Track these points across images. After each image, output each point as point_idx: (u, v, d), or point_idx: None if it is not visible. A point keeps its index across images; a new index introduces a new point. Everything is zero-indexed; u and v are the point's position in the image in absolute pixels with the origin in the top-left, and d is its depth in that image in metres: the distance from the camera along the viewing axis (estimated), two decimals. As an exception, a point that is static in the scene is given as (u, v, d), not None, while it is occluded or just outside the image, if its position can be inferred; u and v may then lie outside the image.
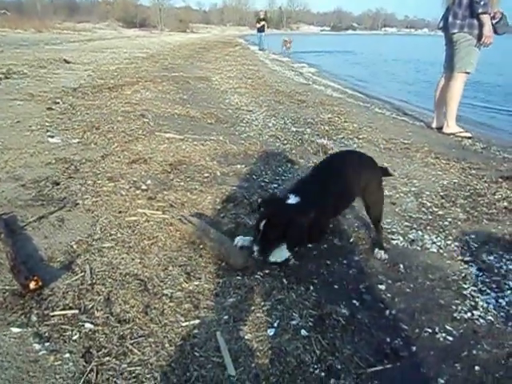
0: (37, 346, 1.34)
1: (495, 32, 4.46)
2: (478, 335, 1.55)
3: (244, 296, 1.64)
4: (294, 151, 3.65)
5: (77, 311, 1.50)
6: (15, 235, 1.96)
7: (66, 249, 1.89)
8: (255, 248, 1.75)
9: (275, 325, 1.49)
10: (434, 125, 5.16)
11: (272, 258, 1.78)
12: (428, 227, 2.38)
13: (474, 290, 1.82)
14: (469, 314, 1.66)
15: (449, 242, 2.22)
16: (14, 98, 5.01)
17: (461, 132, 4.84)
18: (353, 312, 1.60)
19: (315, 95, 7.06)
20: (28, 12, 41.45)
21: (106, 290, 1.62)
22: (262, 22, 21.40)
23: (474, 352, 1.46)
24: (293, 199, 1.81)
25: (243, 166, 3.13)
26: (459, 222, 2.46)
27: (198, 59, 12.48)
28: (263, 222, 1.74)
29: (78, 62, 9.44)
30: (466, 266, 2.01)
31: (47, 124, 3.93)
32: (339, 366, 1.33)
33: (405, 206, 2.66)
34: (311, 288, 1.72)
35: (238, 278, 1.75)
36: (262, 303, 1.60)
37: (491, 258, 2.08)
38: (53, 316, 1.47)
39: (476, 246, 2.19)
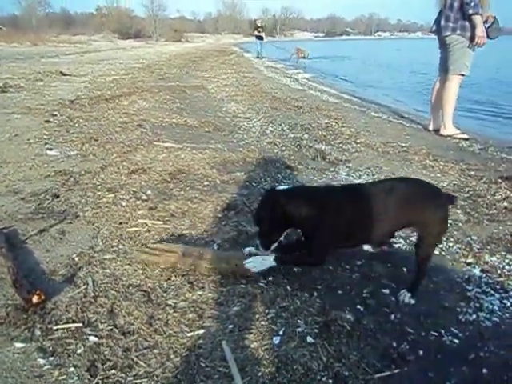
0: (41, 361, 1.33)
1: (487, 36, 4.50)
2: (485, 337, 1.54)
3: (248, 304, 1.63)
4: (292, 157, 3.66)
5: (80, 324, 1.49)
6: (16, 249, 1.96)
7: (68, 261, 1.89)
8: (258, 242, 1.76)
9: (280, 332, 1.48)
10: (430, 127, 5.18)
11: (250, 266, 1.72)
12: (429, 230, 2.37)
13: (478, 292, 1.81)
14: (474, 316, 1.66)
15: (451, 244, 2.22)
16: (11, 111, 5.03)
17: (458, 133, 4.85)
18: (358, 317, 1.59)
19: (311, 101, 7.09)
20: (23, 26, 41.74)
21: (109, 302, 1.61)
22: (261, 30, 21.26)
23: (481, 354, 1.45)
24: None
25: (242, 173, 3.13)
26: (460, 224, 2.46)
27: (194, 68, 12.53)
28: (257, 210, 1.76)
29: (75, 74, 9.48)
30: (468, 267, 2.00)
31: (45, 137, 3.93)
32: (346, 373, 1.32)
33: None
34: (315, 294, 1.71)
35: (242, 286, 1.74)
36: (267, 311, 1.60)
37: (494, 258, 2.08)
38: (56, 330, 1.46)
39: (478, 247, 2.19)
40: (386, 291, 1.79)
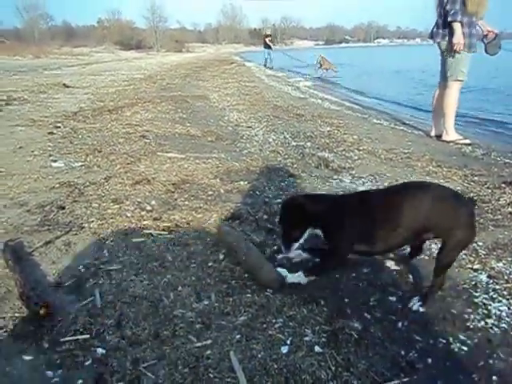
0: (49, 374, 1.33)
1: (485, 51, 4.59)
2: (493, 344, 1.53)
3: (255, 314, 1.62)
4: (295, 165, 3.66)
5: (88, 336, 1.49)
6: (23, 261, 1.96)
7: (74, 273, 1.89)
8: (281, 244, 1.85)
9: (288, 342, 1.48)
10: (432, 133, 5.19)
11: (290, 280, 1.80)
12: (435, 236, 2.36)
13: (486, 298, 1.80)
14: (482, 323, 1.65)
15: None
16: (15, 124, 5.07)
17: (460, 139, 4.87)
18: (365, 326, 1.59)
19: (313, 109, 7.12)
20: (26, 39, 42.23)
21: (116, 314, 1.61)
22: (270, 38, 20.66)
23: (491, 361, 1.45)
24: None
25: (246, 182, 3.14)
26: (465, 230, 2.45)
27: (195, 78, 12.62)
28: (280, 214, 1.86)
29: (78, 86, 9.56)
30: (475, 273, 1.99)
31: (49, 148, 3.96)
32: (355, 382, 1.32)
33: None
34: (322, 303, 1.71)
35: (248, 295, 1.74)
36: (274, 320, 1.59)
37: (500, 264, 2.07)
38: (64, 342, 1.46)
39: (484, 253, 2.18)
40: (393, 299, 1.78)
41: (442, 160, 3.97)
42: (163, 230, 2.32)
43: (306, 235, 1.80)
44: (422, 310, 1.69)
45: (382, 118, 6.77)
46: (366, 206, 1.76)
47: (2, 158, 3.62)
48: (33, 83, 9.71)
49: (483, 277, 1.96)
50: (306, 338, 1.50)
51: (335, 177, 3.40)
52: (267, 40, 20.56)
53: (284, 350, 1.44)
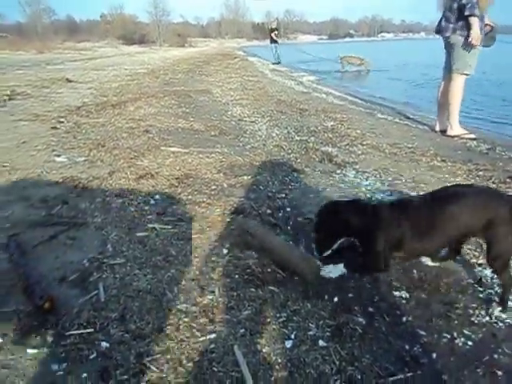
0: (54, 367, 1.34)
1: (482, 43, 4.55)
2: (498, 339, 1.53)
3: (259, 308, 1.62)
4: (299, 160, 3.65)
5: (92, 330, 1.50)
6: (27, 256, 1.97)
7: (78, 267, 1.90)
8: (314, 249, 1.92)
9: (292, 336, 1.48)
10: (437, 128, 5.15)
11: (327, 274, 1.84)
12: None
13: (490, 293, 1.79)
14: (487, 318, 1.64)
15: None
16: (19, 118, 5.08)
17: (465, 134, 4.83)
18: (369, 320, 1.58)
19: (317, 103, 7.09)
20: (29, 34, 42.21)
21: (120, 308, 1.62)
22: (276, 32, 19.81)
23: (495, 356, 1.44)
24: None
25: (249, 176, 3.13)
26: (470, 225, 2.43)
27: (198, 73, 12.58)
28: (317, 221, 1.90)
29: (81, 81, 9.56)
30: (480, 268, 1.98)
31: (53, 143, 3.97)
32: (359, 376, 1.32)
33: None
34: (326, 297, 1.71)
35: (252, 290, 1.73)
36: (278, 315, 1.59)
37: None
38: (68, 336, 1.47)
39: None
40: (397, 293, 1.78)
41: (446, 155, 3.94)
42: (167, 224, 2.32)
43: (338, 243, 1.86)
44: (504, 316, 1.65)
45: (386, 112, 6.73)
46: (405, 215, 1.76)
47: (6, 153, 3.62)
48: (36, 78, 9.71)
49: (488, 272, 1.95)
50: (310, 333, 1.50)
51: (339, 171, 3.38)
52: (273, 35, 19.78)
53: (288, 344, 1.44)
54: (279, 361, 1.37)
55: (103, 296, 1.69)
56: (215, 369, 1.33)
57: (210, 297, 1.69)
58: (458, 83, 4.71)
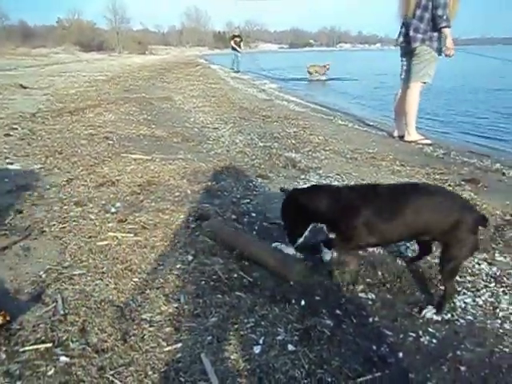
0: (8, 386, 1.25)
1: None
2: (460, 335, 1.57)
3: (226, 315, 1.59)
4: (263, 166, 3.66)
5: (50, 345, 1.41)
6: (-23, 269, 1.84)
7: (35, 279, 1.79)
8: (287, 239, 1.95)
9: (261, 342, 1.46)
10: (395, 134, 5.33)
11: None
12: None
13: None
14: (449, 316, 1.69)
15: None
16: (-33, 125, 4.80)
17: (421, 139, 5.02)
18: (337, 322, 1.59)
19: (279, 110, 7.16)
20: (-22, 39, 40.30)
21: (80, 320, 1.54)
22: (238, 40, 19.51)
23: (458, 353, 1.48)
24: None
25: (213, 182, 3.10)
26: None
27: (160, 80, 12.42)
28: (282, 213, 1.95)
29: (36, 87, 9.20)
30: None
31: (5, 151, 3.77)
32: (329, 379, 1.31)
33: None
34: (293, 301, 1.70)
35: (219, 296, 1.70)
36: (246, 320, 1.56)
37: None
38: (23, 352, 1.38)
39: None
40: (363, 294, 1.79)
41: (405, 159, 4.07)
42: (129, 232, 2.25)
43: (308, 229, 1.91)
44: (436, 318, 1.66)
45: (347, 119, 6.89)
46: (371, 198, 1.77)
47: (-46, 161, 3.41)
48: (-14, 84, 9.26)
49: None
50: (279, 337, 1.48)
51: (302, 176, 3.41)
52: (232, 42, 19.61)
53: (257, 349, 1.42)
54: (248, 367, 1.34)
55: (62, 309, 1.60)
56: (182, 379, 1.29)
57: (176, 305, 1.65)
58: (416, 91, 4.90)
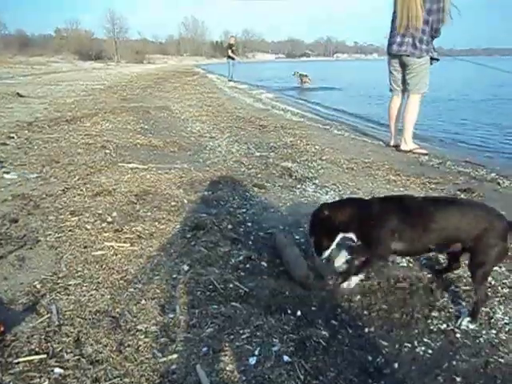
0: (1, 398, 1.24)
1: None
2: (456, 346, 1.57)
3: (222, 325, 1.59)
4: (259, 175, 3.67)
5: (44, 356, 1.40)
6: (-28, 279, 1.84)
7: (29, 289, 1.79)
8: (314, 252, 1.96)
9: (256, 353, 1.45)
10: (391, 143, 5.36)
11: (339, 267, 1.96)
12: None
13: (447, 302, 1.85)
14: (444, 326, 1.69)
15: (417, 256, 2.26)
16: (-36, 134, 4.80)
17: (418, 149, 5.06)
18: (333, 333, 1.59)
19: (276, 120, 7.19)
20: (-24, 47, 40.40)
21: (75, 331, 1.53)
22: (234, 49, 19.64)
23: (454, 363, 1.48)
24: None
25: (210, 192, 3.10)
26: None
27: (157, 89, 12.48)
28: (309, 226, 1.97)
29: (33, 96, 9.22)
30: (435, 277, 2.05)
31: (1, 159, 3.77)
32: (325, 390, 1.31)
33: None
34: (289, 312, 1.70)
35: (215, 306, 1.70)
36: (241, 331, 1.56)
37: (460, 268, 2.13)
38: (17, 363, 1.37)
39: (443, 257, 2.24)
40: (359, 304, 1.79)
41: (400, 169, 4.09)
42: (125, 242, 2.25)
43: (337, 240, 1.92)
44: (472, 326, 1.68)
45: (343, 129, 6.92)
46: (398, 210, 1.82)
47: (-50, 170, 3.40)
48: (-16, 93, 9.27)
49: (443, 280, 2.02)
50: (274, 348, 1.48)
51: (299, 186, 3.43)
52: (229, 51, 19.50)
53: (252, 361, 1.41)
54: (243, 378, 1.34)
55: (56, 319, 1.59)
56: (177, 390, 1.28)
57: (171, 315, 1.64)
58: (417, 102, 4.97)
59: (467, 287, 1.97)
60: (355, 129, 7.05)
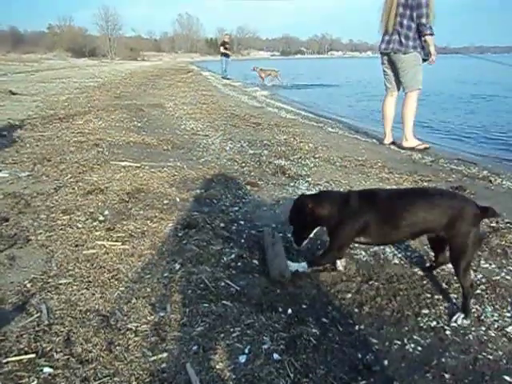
0: (-11, 398, 1.23)
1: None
2: (445, 343, 1.58)
3: (212, 324, 1.59)
4: (252, 173, 3.67)
5: (34, 355, 1.40)
6: (-39, 278, 1.82)
7: (19, 288, 1.78)
8: (293, 241, 2.07)
9: (246, 351, 1.45)
10: (386, 141, 5.38)
11: (293, 268, 1.98)
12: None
13: (437, 299, 1.86)
14: (434, 323, 1.70)
15: (409, 253, 2.28)
16: (-45, 132, 4.76)
17: (419, 145, 5.10)
18: (323, 331, 1.59)
19: (270, 117, 7.18)
20: (-32, 44, 40.03)
21: (65, 330, 1.53)
22: (228, 46, 19.62)
23: (443, 360, 1.49)
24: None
25: (203, 190, 3.10)
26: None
27: (151, 87, 12.42)
28: (290, 213, 2.03)
29: (25, 93, 9.15)
30: (426, 275, 2.06)
31: (-7, 158, 3.75)
32: (314, 388, 1.31)
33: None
34: (280, 310, 1.70)
35: (205, 305, 1.70)
36: (232, 329, 1.56)
37: (449, 265, 2.14)
38: (6, 363, 1.36)
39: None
40: (350, 302, 1.80)
41: (393, 167, 4.10)
42: (116, 240, 2.24)
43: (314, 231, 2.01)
44: (466, 322, 1.69)
45: (337, 126, 6.93)
46: (369, 203, 1.88)
47: None
48: (-25, 90, 9.19)
49: (434, 278, 2.03)
50: (265, 346, 1.48)
51: (292, 184, 3.43)
52: (222, 48, 19.52)
53: (242, 359, 1.42)
54: (233, 377, 1.34)
55: (46, 318, 1.59)
56: (167, 389, 1.28)
57: (162, 314, 1.64)
58: (414, 98, 5.00)
59: (457, 284, 1.98)
60: (349, 126, 7.06)
